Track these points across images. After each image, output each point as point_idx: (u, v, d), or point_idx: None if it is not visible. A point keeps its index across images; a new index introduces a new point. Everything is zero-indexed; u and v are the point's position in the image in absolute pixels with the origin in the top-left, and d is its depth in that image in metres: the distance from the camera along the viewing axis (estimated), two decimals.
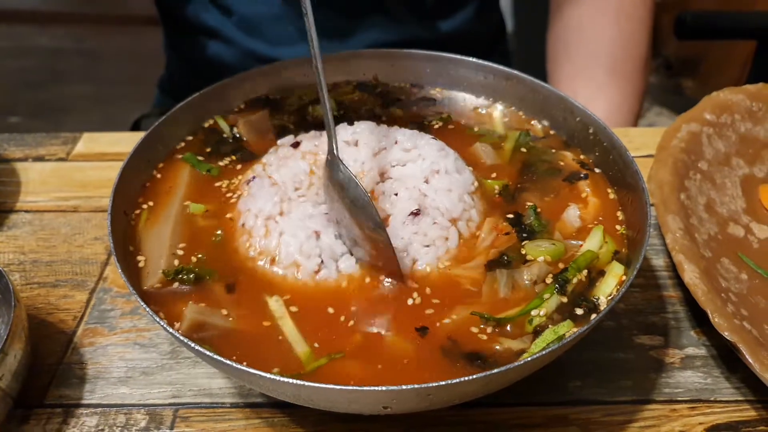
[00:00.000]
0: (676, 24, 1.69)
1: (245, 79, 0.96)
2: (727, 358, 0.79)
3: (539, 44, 1.47)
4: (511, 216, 0.79)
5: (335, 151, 0.73)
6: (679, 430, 0.72)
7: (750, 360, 0.69)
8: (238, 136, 0.92)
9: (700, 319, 0.83)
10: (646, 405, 0.74)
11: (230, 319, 0.69)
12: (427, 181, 0.79)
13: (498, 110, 0.96)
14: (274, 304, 0.70)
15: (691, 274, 0.77)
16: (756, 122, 1.02)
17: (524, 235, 0.77)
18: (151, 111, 1.60)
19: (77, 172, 1.06)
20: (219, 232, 0.78)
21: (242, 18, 1.32)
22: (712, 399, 0.75)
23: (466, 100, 0.99)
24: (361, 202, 0.69)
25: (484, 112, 0.97)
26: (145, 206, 0.81)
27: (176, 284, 0.71)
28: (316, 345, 0.66)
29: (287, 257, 0.73)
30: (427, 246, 0.74)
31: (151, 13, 1.54)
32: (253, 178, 0.82)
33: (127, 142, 1.12)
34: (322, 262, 0.72)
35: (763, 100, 1.03)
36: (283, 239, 0.73)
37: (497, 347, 0.65)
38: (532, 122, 0.93)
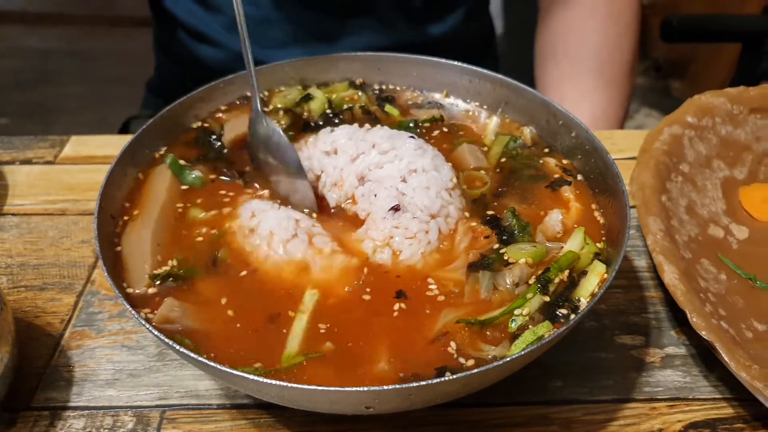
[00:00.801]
0: (663, 27, 1.71)
1: (233, 82, 0.96)
2: (706, 357, 0.80)
3: (529, 47, 1.48)
4: (489, 219, 0.80)
5: (258, 108, 0.85)
6: (658, 428, 0.73)
7: (726, 359, 0.70)
8: (221, 144, 0.92)
9: (680, 319, 0.85)
10: (627, 404, 0.76)
11: (204, 317, 0.70)
12: (404, 180, 0.80)
13: (490, 115, 0.97)
14: (308, 296, 0.72)
15: (670, 275, 0.79)
16: (736, 125, 1.03)
17: (504, 237, 0.78)
18: (139, 113, 1.61)
19: (65, 175, 1.06)
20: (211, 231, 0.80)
21: (230, 20, 1.33)
22: (690, 397, 0.76)
23: (459, 105, 1.00)
24: (283, 146, 0.82)
25: (477, 116, 0.98)
26: (131, 210, 0.81)
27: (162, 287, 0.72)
28: None
29: (264, 229, 0.76)
30: (410, 239, 0.75)
31: (141, 15, 1.54)
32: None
33: (114, 145, 1.12)
34: (296, 234, 0.75)
35: (744, 103, 1.04)
36: (264, 216, 0.77)
37: (480, 349, 0.66)
38: (522, 128, 0.94)
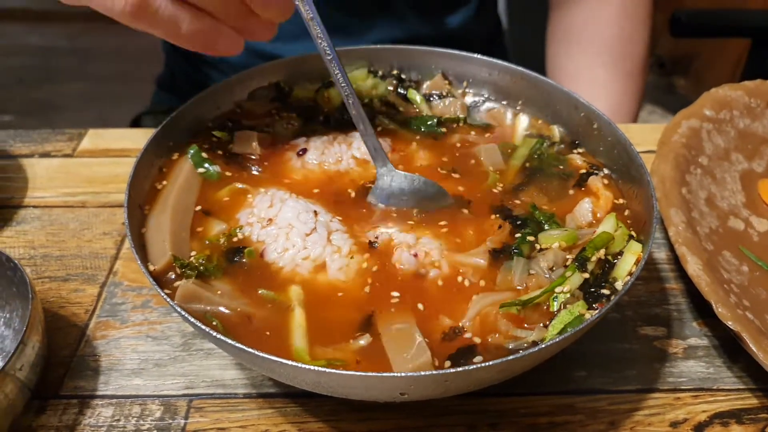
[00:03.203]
0: (672, 22, 1.72)
1: (254, 74, 0.96)
2: (729, 348, 0.80)
3: (533, 44, 1.48)
4: (499, 209, 0.80)
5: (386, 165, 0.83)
6: (683, 417, 0.74)
7: (754, 348, 0.71)
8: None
9: (702, 310, 0.85)
10: (651, 394, 0.76)
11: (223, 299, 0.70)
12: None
13: (517, 114, 0.97)
14: (294, 292, 0.71)
15: (694, 266, 0.79)
16: (754, 118, 1.04)
17: (518, 223, 0.77)
18: (150, 108, 1.61)
19: (84, 168, 1.06)
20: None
21: None
22: (714, 387, 0.77)
23: (481, 100, 0.99)
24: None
25: (503, 114, 0.98)
26: (155, 199, 0.81)
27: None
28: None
29: (282, 220, 0.76)
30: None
31: None
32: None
33: (131, 138, 1.12)
34: (315, 228, 0.75)
35: (762, 96, 1.05)
36: (284, 205, 0.78)
37: (516, 334, 0.66)
38: (552, 127, 0.94)
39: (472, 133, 0.95)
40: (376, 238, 0.77)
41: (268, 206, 0.79)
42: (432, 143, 0.93)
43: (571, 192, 0.84)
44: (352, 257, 0.74)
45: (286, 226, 0.76)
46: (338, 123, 0.95)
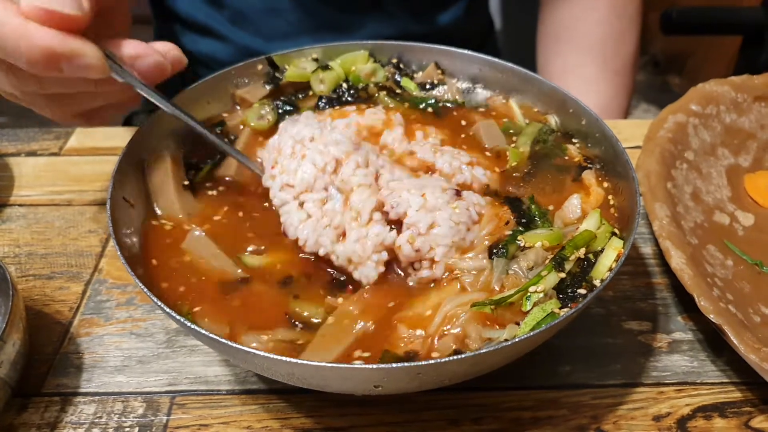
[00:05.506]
0: (663, 19, 1.72)
1: (245, 69, 0.96)
2: (713, 342, 0.80)
3: (526, 42, 1.48)
4: (510, 200, 0.79)
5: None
6: (666, 411, 0.74)
7: (735, 341, 0.71)
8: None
9: (686, 305, 0.85)
10: (635, 388, 0.76)
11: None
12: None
13: (508, 100, 0.97)
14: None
15: (677, 260, 0.79)
16: (741, 113, 1.04)
17: (523, 220, 0.76)
18: (141, 108, 1.61)
19: (71, 167, 1.06)
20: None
21: (234, 12, 1.33)
22: (698, 381, 0.77)
23: (475, 88, 1.00)
24: None
25: (495, 103, 0.98)
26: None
27: None
28: None
29: (301, 183, 0.76)
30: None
31: (136, 13, 1.52)
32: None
33: (120, 137, 1.12)
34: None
35: (748, 91, 1.05)
36: (303, 163, 0.77)
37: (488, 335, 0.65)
38: (546, 116, 0.93)
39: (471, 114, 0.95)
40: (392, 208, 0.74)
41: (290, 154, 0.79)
42: (433, 120, 0.93)
43: (567, 185, 0.84)
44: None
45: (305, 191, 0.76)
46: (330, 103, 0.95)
